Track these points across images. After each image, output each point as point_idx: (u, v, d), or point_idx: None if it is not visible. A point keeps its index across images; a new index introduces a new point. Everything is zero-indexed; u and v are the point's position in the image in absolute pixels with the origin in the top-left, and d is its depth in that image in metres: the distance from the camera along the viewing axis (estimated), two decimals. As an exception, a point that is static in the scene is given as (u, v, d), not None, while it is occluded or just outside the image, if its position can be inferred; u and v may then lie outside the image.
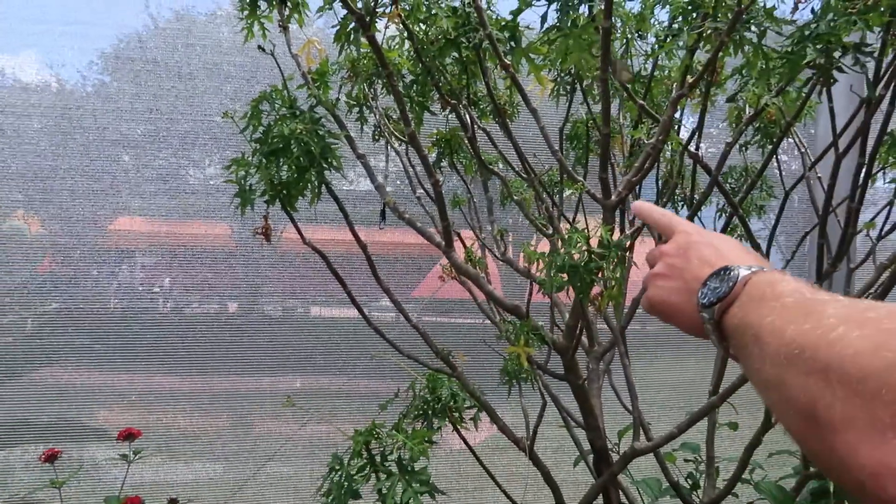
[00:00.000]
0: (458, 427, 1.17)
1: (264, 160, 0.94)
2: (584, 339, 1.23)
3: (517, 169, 1.29)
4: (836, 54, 0.87)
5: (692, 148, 1.17)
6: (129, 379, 1.93)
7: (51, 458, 1.42)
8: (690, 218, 1.21)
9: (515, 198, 1.23)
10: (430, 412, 1.14)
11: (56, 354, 1.85)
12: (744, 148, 1.41)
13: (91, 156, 1.80)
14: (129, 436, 1.42)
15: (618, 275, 0.80)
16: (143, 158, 1.92)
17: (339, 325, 2.09)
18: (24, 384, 1.84)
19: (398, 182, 2.13)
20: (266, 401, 2.03)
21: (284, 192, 0.96)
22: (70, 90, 1.97)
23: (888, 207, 1.14)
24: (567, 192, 1.05)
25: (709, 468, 1.23)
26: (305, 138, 0.88)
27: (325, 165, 0.91)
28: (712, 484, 1.21)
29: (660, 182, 1.29)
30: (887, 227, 1.20)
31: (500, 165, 1.45)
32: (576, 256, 0.83)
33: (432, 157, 1.53)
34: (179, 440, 1.90)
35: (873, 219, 1.13)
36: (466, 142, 1.22)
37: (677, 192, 1.54)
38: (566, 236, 0.83)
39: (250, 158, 0.95)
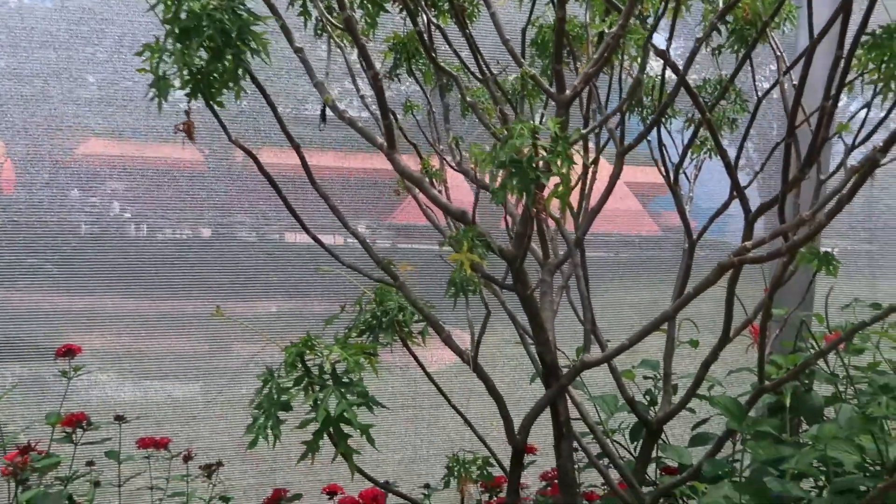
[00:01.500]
0: (408, 342, 1.12)
1: (178, 44, 0.84)
2: (541, 251, 1.17)
3: (472, 70, 1.19)
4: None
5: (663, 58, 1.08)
6: (89, 301, 1.86)
7: (-16, 376, 1.36)
8: (656, 122, 1.14)
9: (469, 100, 1.14)
10: (376, 326, 1.08)
11: (5, 275, 1.76)
12: (716, 52, 1.32)
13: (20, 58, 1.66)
14: (67, 352, 1.36)
15: (565, 171, 0.73)
16: (106, 77, 1.77)
17: (299, 249, 2.02)
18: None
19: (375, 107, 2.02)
20: (226, 324, 1.98)
21: (204, 82, 0.87)
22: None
23: (865, 109, 1.07)
24: (511, 77, 0.97)
25: (666, 384, 1.21)
26: (219, 15, 0.77)
27: (243, 48, 0.81)
28: (668, 400, 1.18)
29: (621, 82, 1.20)
30: (863, 135, 1.14)
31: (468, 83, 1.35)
32: (525, 151, 0.75)
33: (389, 63, 1.42)
34: (127, 360, 1.85)
35: (849, 121, 1.06)
36: (417, 37, 1.12)
37: (645, 101, 1.46)
38: (511, 128, 0.75)
39: (164, 42, 0.85)
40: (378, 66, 1.44)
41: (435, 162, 1.38)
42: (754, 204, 1.07)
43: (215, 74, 0.87)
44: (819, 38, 0.78)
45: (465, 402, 1.34)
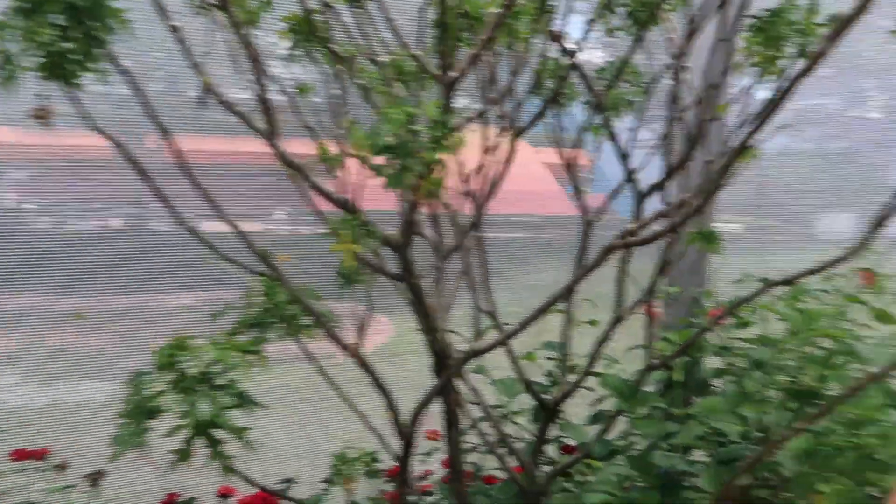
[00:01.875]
0: (299, 337, 1.07)
1: (27, 21, 0.76)
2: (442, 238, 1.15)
3: (366, 52, 1.16)
4: None
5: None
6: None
7: None
8: (548, 104, 1.14)
9: (359, 82, 1.10)
10: (264, 321, 1.04)
11: None
12: (610, 33, 1.33)
13: None
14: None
15: (437, 157, 0.71)
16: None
17: (213, 238, 1.93)
18: None
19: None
20: (136, 320, 1.87)
21: (59, 62, 0.80)
22: None
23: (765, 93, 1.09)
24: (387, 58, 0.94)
25: (562, 365, 1.22)
26: (64, -11, 0.71)
27: (96, 26, 0.74)
28: (565, 380, 1.19)
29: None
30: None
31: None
32: (403, 135, 0.73)
33: (287, 44, 1.36)
34: (28, 361, 1.72)
35: (726, 104, 1.09)
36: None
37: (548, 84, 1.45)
38: (385, 111, 0.72)
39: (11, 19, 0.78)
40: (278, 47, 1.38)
41: (335, 147, 1.34)
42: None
43: (70, 55, 0.80)
44: (696, 23, 0.79)
45: (382, 391, 1.31)
